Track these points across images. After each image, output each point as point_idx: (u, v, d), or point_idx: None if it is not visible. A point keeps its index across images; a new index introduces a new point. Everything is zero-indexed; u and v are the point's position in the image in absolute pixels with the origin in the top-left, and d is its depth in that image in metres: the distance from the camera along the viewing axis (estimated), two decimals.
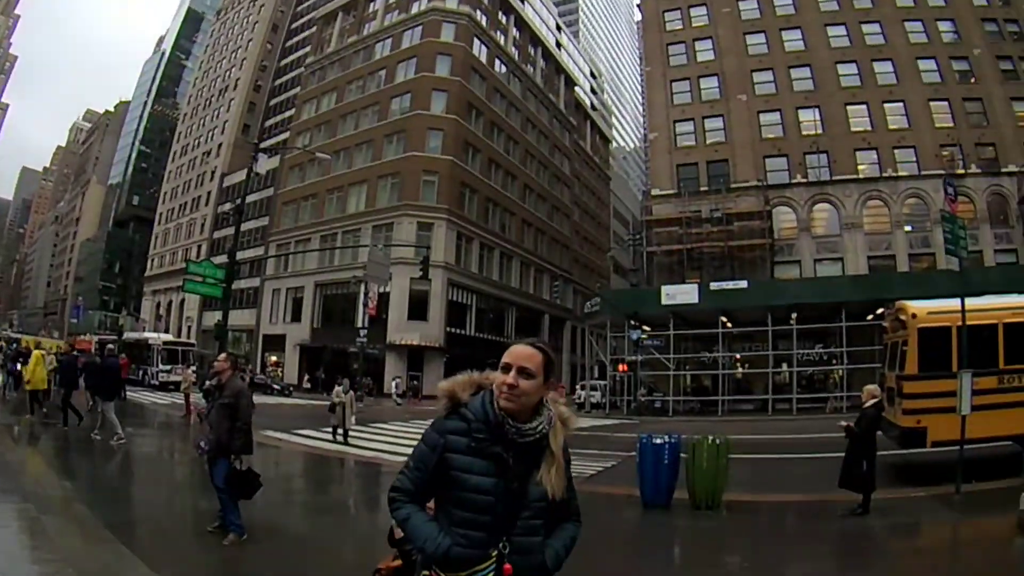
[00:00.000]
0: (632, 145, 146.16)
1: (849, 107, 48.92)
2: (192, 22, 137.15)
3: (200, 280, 26.01)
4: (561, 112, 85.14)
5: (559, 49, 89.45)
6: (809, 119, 49.59)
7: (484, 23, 67.54)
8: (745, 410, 40.41)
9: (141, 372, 44.63)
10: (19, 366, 23.86)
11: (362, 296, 48.35)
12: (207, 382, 18.28)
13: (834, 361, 39.84)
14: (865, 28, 49.98)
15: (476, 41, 65.62)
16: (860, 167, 48.14)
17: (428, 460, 2.90)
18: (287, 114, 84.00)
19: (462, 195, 60.65)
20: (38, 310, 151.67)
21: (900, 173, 47.03)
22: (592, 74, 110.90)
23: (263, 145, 53.13)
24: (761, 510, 12.25)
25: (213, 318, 54.95)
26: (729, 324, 40.91)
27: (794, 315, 38.34)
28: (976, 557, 9.23)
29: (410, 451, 3.10)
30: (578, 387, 50.96)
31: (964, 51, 48.24)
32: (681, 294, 40.40)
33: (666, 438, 11.93)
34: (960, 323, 13.09)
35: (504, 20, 73.04)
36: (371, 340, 47.75)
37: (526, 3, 78.30)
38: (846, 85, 49.33)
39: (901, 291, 24.20)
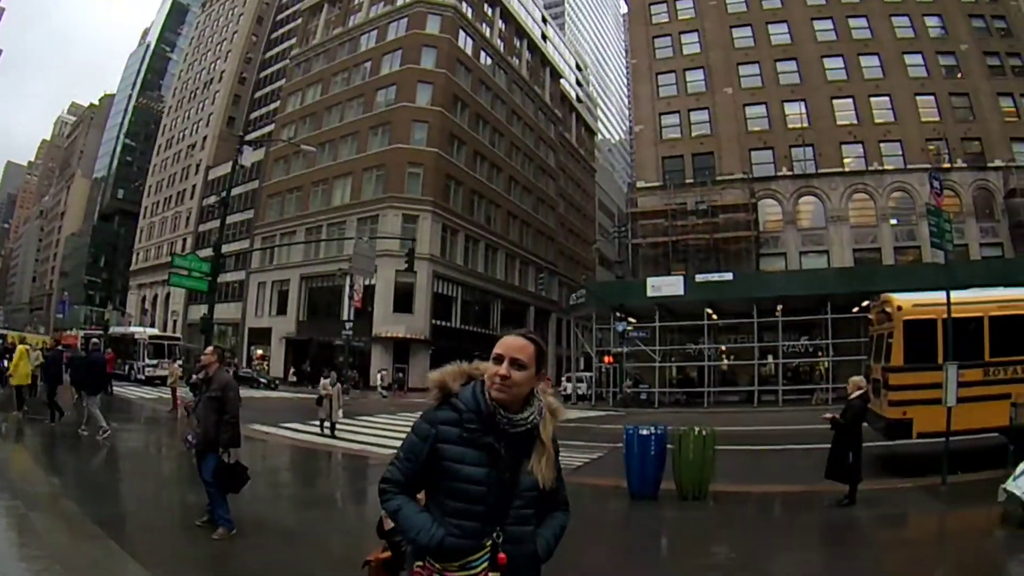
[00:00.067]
0: (617, 137, 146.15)
1: (835, 101, 49.01)
2: (177, 14, 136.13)
3: (186, 274, 25.86)
4: (546, 104, 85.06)
5: (545, 41, 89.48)
6: (795, 112, 49.63)
7: (470, 15, 67.42)
8: (731, 402, 40.54)
9: (127, 367, 44.38)
10: (6, 362, 23.73)
11: (347, 289, 48.25)
12: (193, 375, 18.28)
13: (820, 353, 39.96)
14: (852, 22, 50.05)
15: (461, 33, 65.52)
16: (846, 160, 48.27)
17: (419, 451, 2.90)
18: (272, 106, 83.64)
19: (447, 187, 60.58)
20: (23, 305, 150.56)
21: (886, 167, 47.17)
22: (578, 66, 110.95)
23: (248, 138, 52.90)
24: (748, 501, 12.32)
25: (199, 312, 54.77)
26: (715, 316, 40.94)
27: (780, 307, 38.41)
28: (961, 548, 9.32)
29: (398, 443, 3.10)
30: (564, 379, 51.05)
31: (951, 46, 48.39)
32: (667, 286, 40.42)
33: (652, 429, 11.96)
34: (946, 315, 13.16)
35: (490, 12, 72.96)
36: (357, 333, 47.69)
37: None
38: (832, 79, 49.37)
39: (887, 284, 24.40)
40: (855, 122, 48.38)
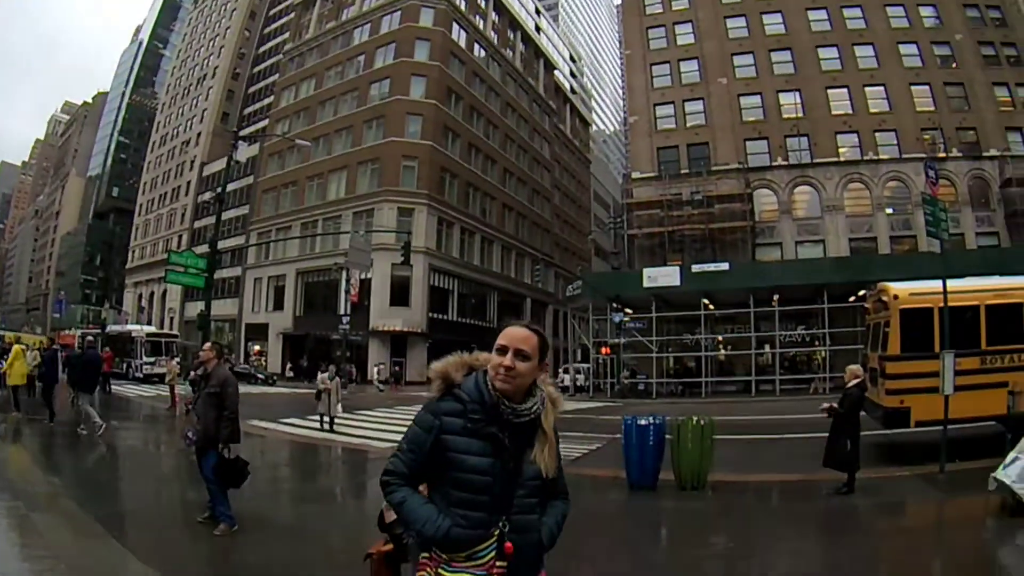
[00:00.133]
0: (612, 128, 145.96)
1: (830, 90, 49.00)
2: (169, 10, 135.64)
3: (182, 270, 25.80)
4: (541, 96, 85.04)
5: (538, 33, 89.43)
6: (790, 102, 49.58)
7: (463, 7, 67.30)
8: (728, 392, 40.63)
9: (125, 365, 44.33)
10: (4, 363, 23.69)
11: (344, 283, 48.28)
12: (191, 372, 18.27)
13: (816, 342, 40.05)
14: (846, 12, 50.01)
15: (455, 26, 65.48)
16: (841, 150, 48.29)
17: (423, 442, 2.90)
18: (266, 101, 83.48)
19: (442, 180, 60.57)
20: (20, 306, 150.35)
21: (881, 156, 47.23)
22: (572, 58, 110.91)
23: (243, 133, 52.82)
24: (747, 490, 12.32)
25: (195, 308, 54.80)
26: (711, 306, 41.00)
27: (776, 297, 38.49)
28: (960, 536, 9.34)
29: (396, 437, 3.11)
30: (561, 370, 51.10)
31: (946, 36, 48.38)
32: (663, 276, 40.40)
33: (651, 419, 11.97)
34: (942, 304, 13.19)
35: (483, 4, 72.86)
36: (354, 327, 47.69)
37: None
38: (827, 69, 49.37)
39: (883, 273, 24.37)
40: (850, 112, 48.41)
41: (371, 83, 63.46)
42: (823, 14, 50.46)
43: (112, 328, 55.05)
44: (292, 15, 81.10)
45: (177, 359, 33.39)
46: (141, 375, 43.48)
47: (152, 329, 53.56)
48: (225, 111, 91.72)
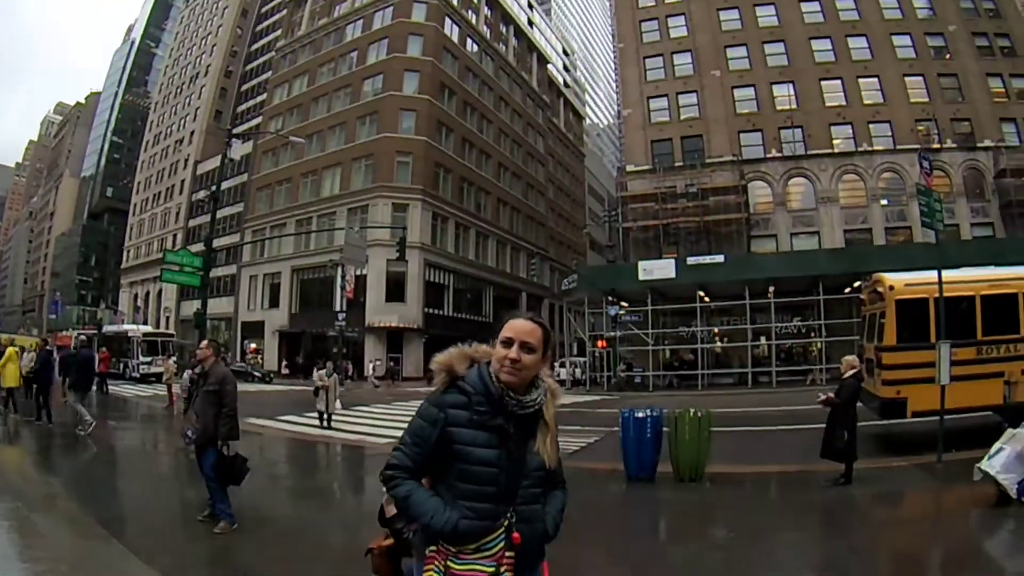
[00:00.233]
0: (606, 122, 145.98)
1: (824, 82, 49.07)
2: (161, 9, 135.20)
3: (178, 269, 25.80)
4: (534, 90, 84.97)
5: (531, 27, 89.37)
6: (783, 94, 49.67)
7: (455, 2, 67.19)
8: (725, 384, 40.65)
9: (122, 365, 44.27)
10: None
11: (339, 279, 48.19)
12: (186, 372, 18.27)
13: (812, 334, 40.12)
14: (839, 4, 50.08)
15: (447, 20, 65.34)
16: (835, 142, 48.37)
17: (428, 435, 2.91)
18: (259, 99, 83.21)
19: (436, 175, 60.55)
20: (16, 308, 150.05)
21: (875, 148, 47.34)
22: (565, 52, 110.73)
23: (236, 131, 52.74)
24: (744, 481, 12.36)
25: (191, 307, 54.80)
26: (707, 299, 41.04)
27: (771, 289, 38.52)
28: (957, 525, 9.37)
29: (395, 433, 3.12)
30: (557, 364, 51.22)
31: (939, 27, 48.47)
32: (658, 269, 40.42)
33: (648, 412, 12.00)
34: (937, 295, 13.23)
35: None
36: (350, 323, 47.57)
37: None
38: (820, 60, 49.44)
39: (878, 264, 24.36)
40: (844, 103, 48.47)
41: (364, 79, 63.36)
42: (816, 6, 50.53)
43: (108, 328, 54.95)
44: (284, 12, 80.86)
45: (174, 358, 33.38)
46: (138, 375, 43.39)
47: (148, 329, 53.43)
48: (218, 109, 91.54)
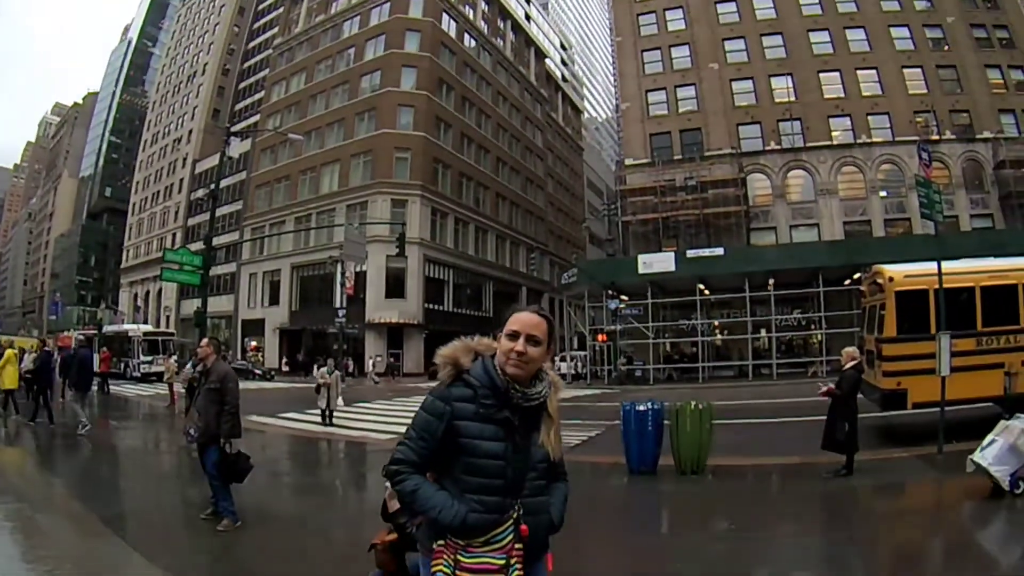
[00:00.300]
0: (604, 116, 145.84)
1: (822, 74, 49.08)
2: (158, 8, 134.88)
3: (178, 268, 25.78)
4: (532, 84, 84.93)
5: (528, 22, 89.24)
6: (782, 86, 49.66)
7: None
8: (725, 376, 40.73)
9: (123, 365, 44.28)
10: None
11: (339, 276, 48.19)
12: (187, 366, 18.29)
13: (813, 326, 40.15)
14: None
15: (445, 16, 65.31)
16: (834, 134, 48.37)
17: (434, 429, 2.91)
18: (257, 96, 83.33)
19: (435, 171, 60.51)
20: (16, 309, 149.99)
21: (874, 139, 47.34)
22: (562, 46, 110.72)
23: (234, 129, 52.65)
24: (746, 474, 12.39)
25: (191, 306, 54.76)
26: (707, 291, 41.04)
27: (771, 281, 38.51)
28: (953, 517, 9.37)
29: (397, 429, 3.13)
30: (557, 358, 51.24)
31: (937, 19, 48.47)
32: (658, 262, 40.44)
33: (649, 405, 12.01)
34: (937, 286, 13.23)
35: None
36: (350, 319, 47.48)
37: None
38: (818, 52, 49.39)
39: (877, 256, 24.46)
40: (842, 95, 48.48)
41: (362, 75, 63.29)
42: None
43: (109, 328, 54.93)
44: (281, 10, 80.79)
45: (174, 357, 33.39)
46: (139, 374, 43.41)
47: (148, 328, 53.44)
48: (216, 107, 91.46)
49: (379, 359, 50.90)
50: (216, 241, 31.37)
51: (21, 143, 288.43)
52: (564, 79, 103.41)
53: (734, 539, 8.35)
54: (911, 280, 14.40)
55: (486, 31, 73.87)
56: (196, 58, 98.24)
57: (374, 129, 59.85)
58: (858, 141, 47.40)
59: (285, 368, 57.53)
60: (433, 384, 3.14)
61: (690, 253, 40.72)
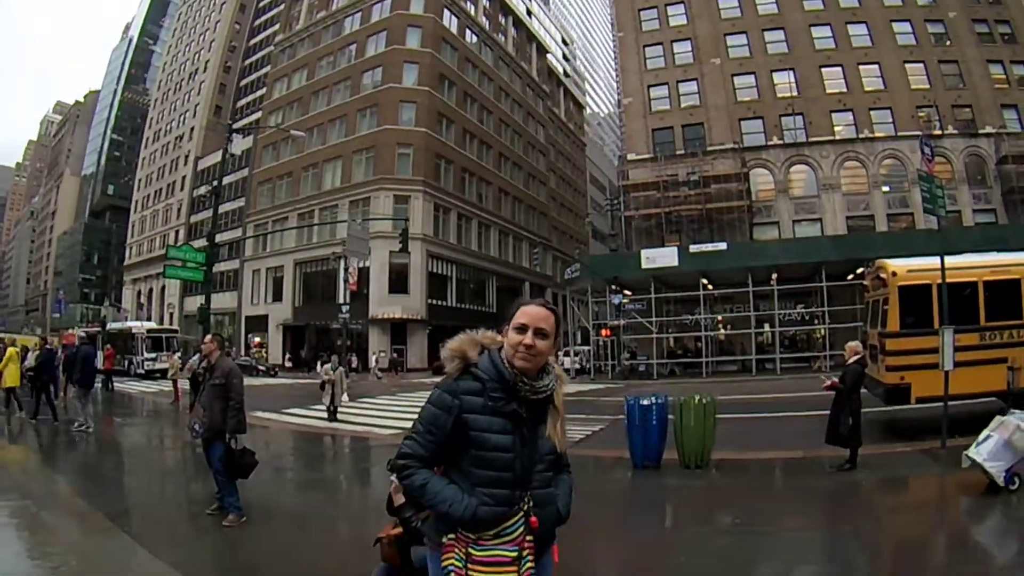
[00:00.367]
0: (606, 111, 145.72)
1: (824, 69, 49.04)
2: (159, 6, 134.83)
3: (181, 265, 25.81)
4: (534, 80, 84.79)
5: (530, 17, 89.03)
6: (784, 81, 49.65)
7: None
8: (729, 371, 40.74)
9: (127, 362, 44.37)
10: None
11: (342, 272, 48.25)
12: (193, 358, 18.32)
13: (816, 321, 40.13)
14: None
15: (446, 12, 65.19)
16: (836, 128, 48.32)
17: (443, 423, 2.90)
18: (259, 93, 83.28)
19: (438, 166, 60.51)
20: (19, 308, 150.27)
21: (877, 134, 47.31)
22: (564, 41, 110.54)
23: (236, 126, 52.70)
24: (750, 468, 12.36)
25: (194, 303, 54.75)
26: (710, 286, 41.07)
27: (774, 276, 38.55)
28: (956, 511, 9.37)
29: (401, 424, 3.14)
30: (561, 353, 51.23)
31: (939, 14, 48.38)
32: (661, 257, 40.38)
33: (653, 399, 12.00)
34: (940, 281, 13.20)
35: None
36: (353, 315, 47.53)
37: None
38: (821, 48, 49.39)
39: (880, 251, 24.38)
40: (844, 90, 48.45)
41: (363, 72, 63.24)
42: None
43: (112, 326, 55.01)
44: (282, 6, 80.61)
45: (178, 354, 33.47)
46: (143, 371, 43.58)
47: (152, 325, 53.63)
48: (218, 104, 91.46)
49: (382, 355, 50.94)
50: (219, 238, 31.41)
51: (23, 142, 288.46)
52: (566, 74, 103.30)
53: (738, 533, 8.36)
54: (914, 275, 14.39)
55: (487, 27, 73.77)
56: (197, 55, 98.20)
57: (376, 125, 59.84)
58: (860, 136, 47.36)
59: (288, 364, 57.63)
60: (438, 380, 3.15)
61: (693, 248, 40.65)
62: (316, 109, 65.82)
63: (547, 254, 77.54)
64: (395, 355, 53.15)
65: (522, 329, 2.94)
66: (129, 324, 53.94)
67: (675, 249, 41.57)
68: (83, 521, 8.62)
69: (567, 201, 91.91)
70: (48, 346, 20.32)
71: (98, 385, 22.65)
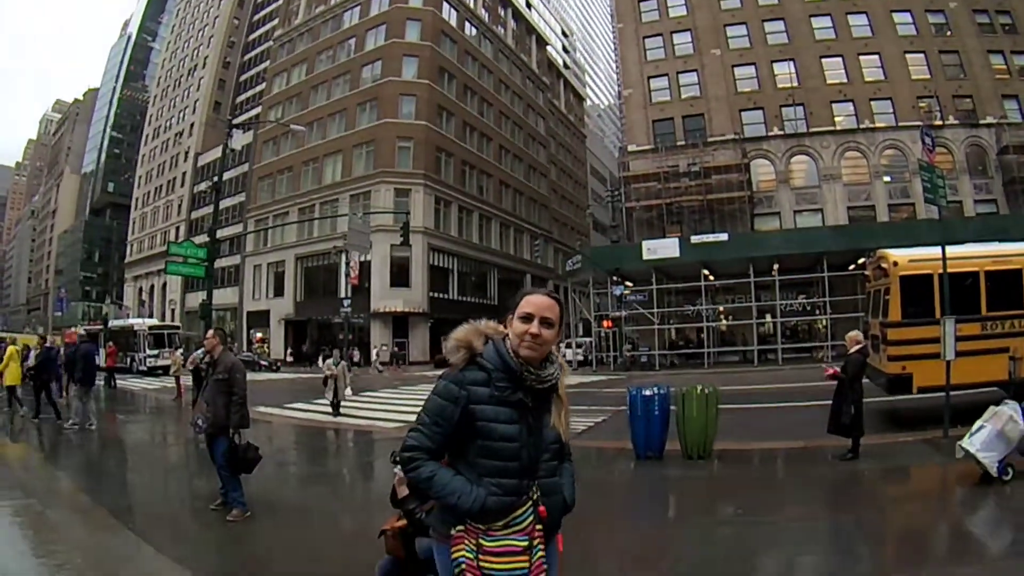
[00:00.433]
0: (607, 102, 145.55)
1: (824, 60, 48.86)
2: (157, 3, 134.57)
3: (182, 261, 25.84)
4: (534, 72, 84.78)
5: (529, 9, 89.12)
6: (784, 72, 49.49)
7: None
8: (731, 362, 40.75)
9: (129, 359, 44.39)
10: None
11: (343, 266, 48.27)
12: (197, 352, 18.35)
13: (817, 311, 40.12)
14: None
15: (445, 4, 65.16)
16: (837, 119, 48.21)
17: (450, 414, 2.90)
18: (258, 89, 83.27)
19: (438, 159, 60.55)
20: (21, 307, 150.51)
21: (877, 125, 47.20)
22: (564, 33, 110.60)
23: (236, 121, 52.68)
24: (752, 458, 12.38)
25: (196, 299, 54.81)
26: (711, 277, 41.02)
27: (776, 266, 38.50)
28: (957, 500, 9.38)
29: (403, 417, 3.15)
30: (563, 345, 51.31)
31: (939, 4, 48.12)
32: (663, 248, 40.33)
33: (655, 390, 12.02)
34: (942, 270, 13.19)
35: None
36: (355, 309, 47.57)
37: None
38: (821, 38, 49.17)
39: (882, 241, 24.41)
40: (845, 81, 48.30)
41: (363, 65, 63.24)
42: None
43: (114, 323, 54.98)
44: (280, 1, 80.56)
45: (180, 350, 33.50)
46: (145, 368, 43.61)
47: (154, 322, 53.62)
48: (217, 100, 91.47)
49: (384, 348, 51.00)
50: (220, 233, 31.43)
51: (22, 141, 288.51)
52: (566, 66, 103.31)
53: (741, 523, 8.39)
54: (915, 265, 14.36)
55: (487, 19, 73.67)
56: (196, 52, 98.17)
57: (376, 119, 59.86)
58: (861, 126, 47.29)
59: (290, 359, 57.68)
60: (439, 373, 3.16)
61: (694, 239, 40.61)
62: (316, 103, 65.80)
63: (548, 246, 77.54)
64: (396, 348, 53.16)
65: (528, 318, 2.94)
66: (131, 321, 53.93)
67: (676, 240, 41.51)
68: (87, 518, 8.65)
69: (568, 193, 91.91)
70: (47, 344, 20.34)
71: (100, 383, 22.67)
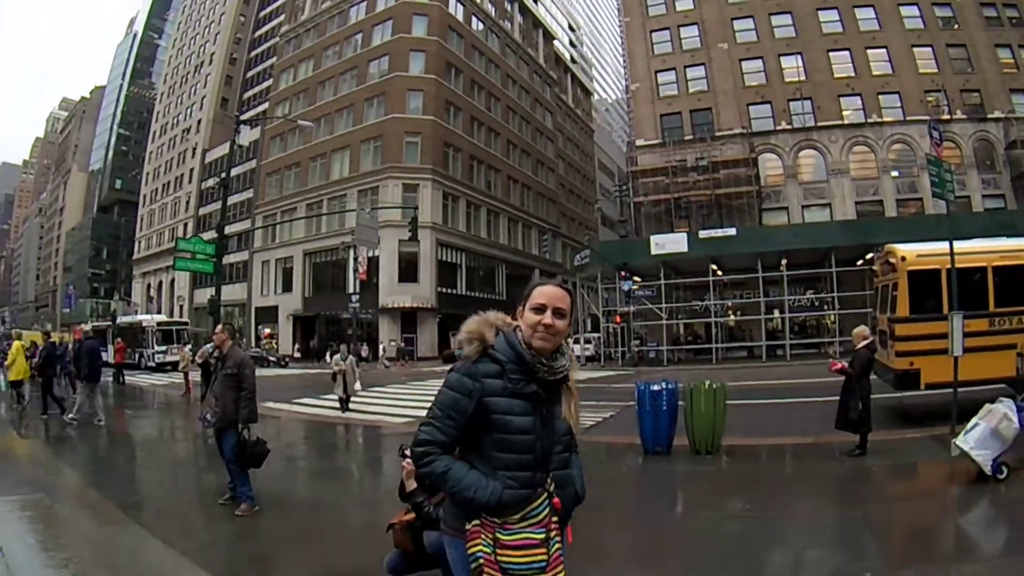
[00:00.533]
0: (614, 97, 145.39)
1: (832, 53, 48.78)
2: (163, 0, 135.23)
3: (190, 257, 25.85)
4: (541, 67, 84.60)
5: (536, 3, 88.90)
6: (792, 66, 49.38)
7: None
8: (739, 357, 40.76)
9: (137, 355, 44.52)
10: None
11: (352, 261, 48.32)
12: (206, 346, 18.39)
13: (825, 306, 40.01)
14: None
15: None
16: (845, 113, 48.15)
17: (463, 407, 2.88)
18: (265, 85, 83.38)
19: (446, 154, 60.49)
20: (29, 304, 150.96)
21: (885, 119, 47.12)
22: (571, 27, 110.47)
23: (243, 117, 52.65)
24: (760, 454, 12.38)
25: (204, 295, 54.97)
26: (719, 272, 40.95)
27: (784, 261, 38.42)
28: (972, 496, 9.33)
29: (412, 412, 3.15)
30: (571, 340, 51.19)
31: None
32: (671, 243, 40.29)
33: (664, 385, 12.01)
34: (949, 266, 13.13)
35: None
36: (363, 305, 47.54)
37: None
38: (828, 31, 49.09)
39: (890, 236, 24.29)
40: (852, 74, 48.22)
41: (370, 61, 63.25)
42: None
43: (122, 319, 55.24)
44: None
45: (189, 346, 33.58)
46: (154, 364, 43.75)
47: (162, 318, 53.69)
48: (224, 97, 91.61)
49: (391, 343, 51.04)
50: (228, 229, 31.49)
51: (30, 139, 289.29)
52: (573, 60, 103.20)
53: (748, 518, 8.37)
54: (923, 260, 14.30)
55: (494, 13, 73.55)
56: (203, 48, 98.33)
57: (383, 114, 59.84)
58: (869, 120, 47.19)
59: (298, 355, 57.78)
60: (447, 368, 3.16)
61: (702, 234, 40.52)
62: (323, 99, 65.83)
63: (556, 241, 77.49)
64: (403, 344, 53.17)
65: (540, 309, 2.94)
66: (139, 317, 54.18)
67: (684, 235, 41.48)
68: (96, 512, 8.70)
69: (576, 188, 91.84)
70: (51, 341, 20.42)
71: (108, 378, 22.71)
